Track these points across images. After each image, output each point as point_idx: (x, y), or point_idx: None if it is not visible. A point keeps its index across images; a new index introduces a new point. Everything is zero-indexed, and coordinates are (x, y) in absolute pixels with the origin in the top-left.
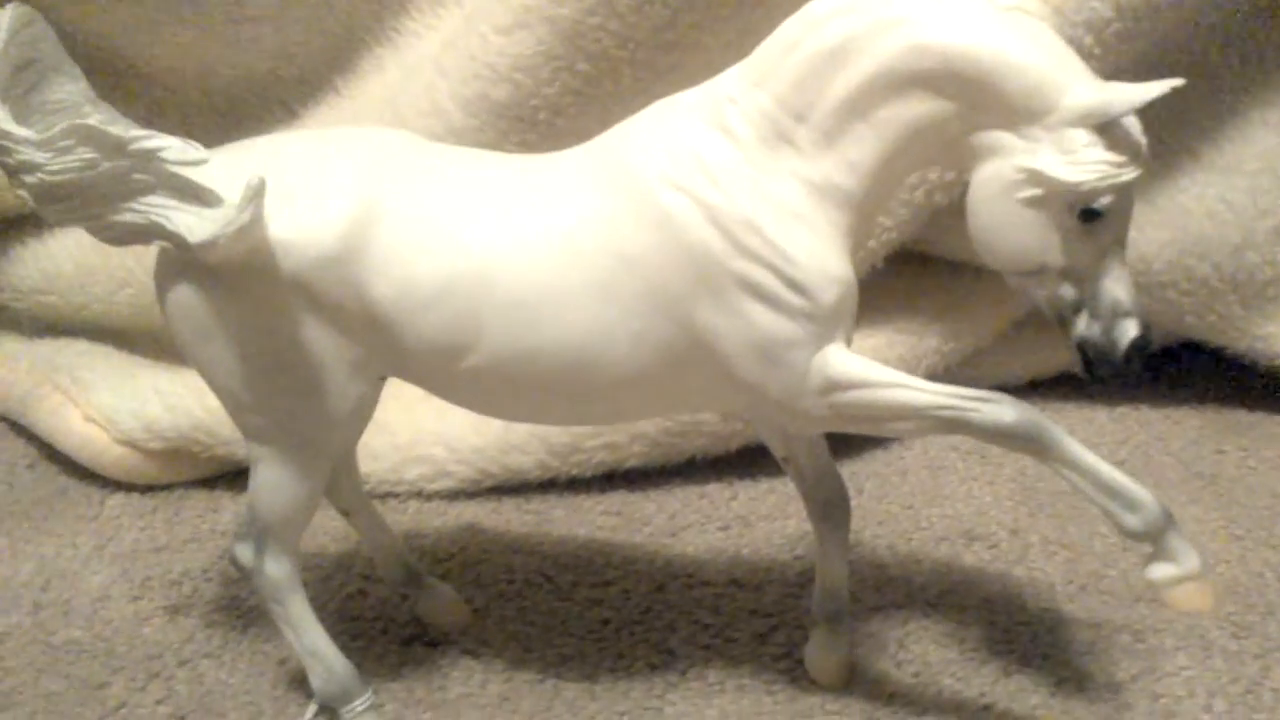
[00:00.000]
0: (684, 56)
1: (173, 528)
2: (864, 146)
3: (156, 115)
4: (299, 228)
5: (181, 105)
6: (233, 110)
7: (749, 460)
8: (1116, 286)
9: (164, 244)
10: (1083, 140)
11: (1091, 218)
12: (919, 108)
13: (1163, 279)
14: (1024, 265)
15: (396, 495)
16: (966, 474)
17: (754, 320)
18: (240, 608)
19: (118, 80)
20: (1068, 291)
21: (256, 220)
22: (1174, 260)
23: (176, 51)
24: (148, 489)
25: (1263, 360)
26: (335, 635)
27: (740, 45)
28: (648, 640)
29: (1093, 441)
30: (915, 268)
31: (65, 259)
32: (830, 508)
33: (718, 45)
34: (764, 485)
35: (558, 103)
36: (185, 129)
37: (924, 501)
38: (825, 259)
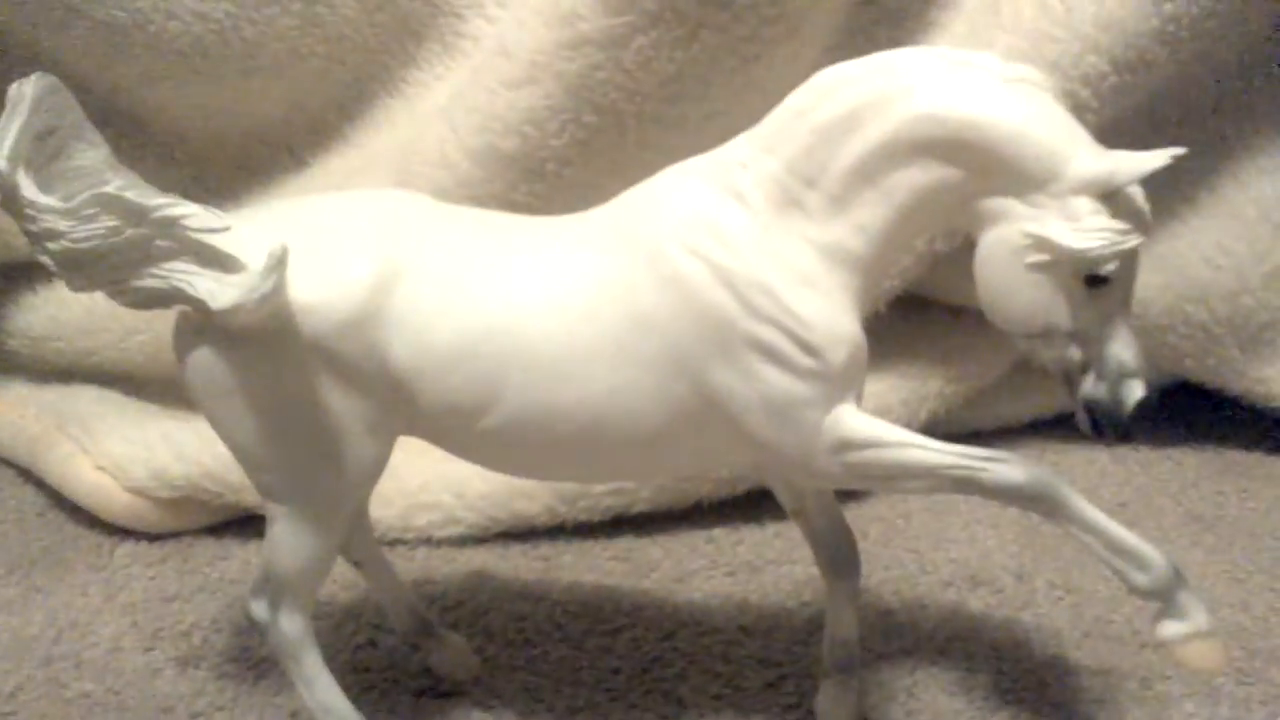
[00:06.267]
0: (688, 109)
1: (182, 576)
2: (873, 211)
3: (168, 164)
4: (320, 292)
5: (193, 154)
6: (243, 159)
7: (755, 504)
8: (1122, 349)
9: (184, 308)
10: (1087, 208)
11: (1097, 283)
12: (927, 174)
13: (1161, 323)
14: (1032, 327)
15: (405, 542)
16: (970, 516)
17: (767, 381)
18: (251, 659)
19: (129, 130)
20: (1074, 353)
21: (279, 287)
22: (1172, 305)
23: (188, 102)
24: (156, 537)
25: (1261, 402)
26: (346, 686)
27: (744, 98)
28: (658, 690)
29: (1094, 483)
30: (917, 312)
31: (76, 305)
32: (839, 559)
33: (722, 98)
34: (770, 530)
35: (565, 154)
36: (196, 177)
37: (929, 546)
38: (836, 320)
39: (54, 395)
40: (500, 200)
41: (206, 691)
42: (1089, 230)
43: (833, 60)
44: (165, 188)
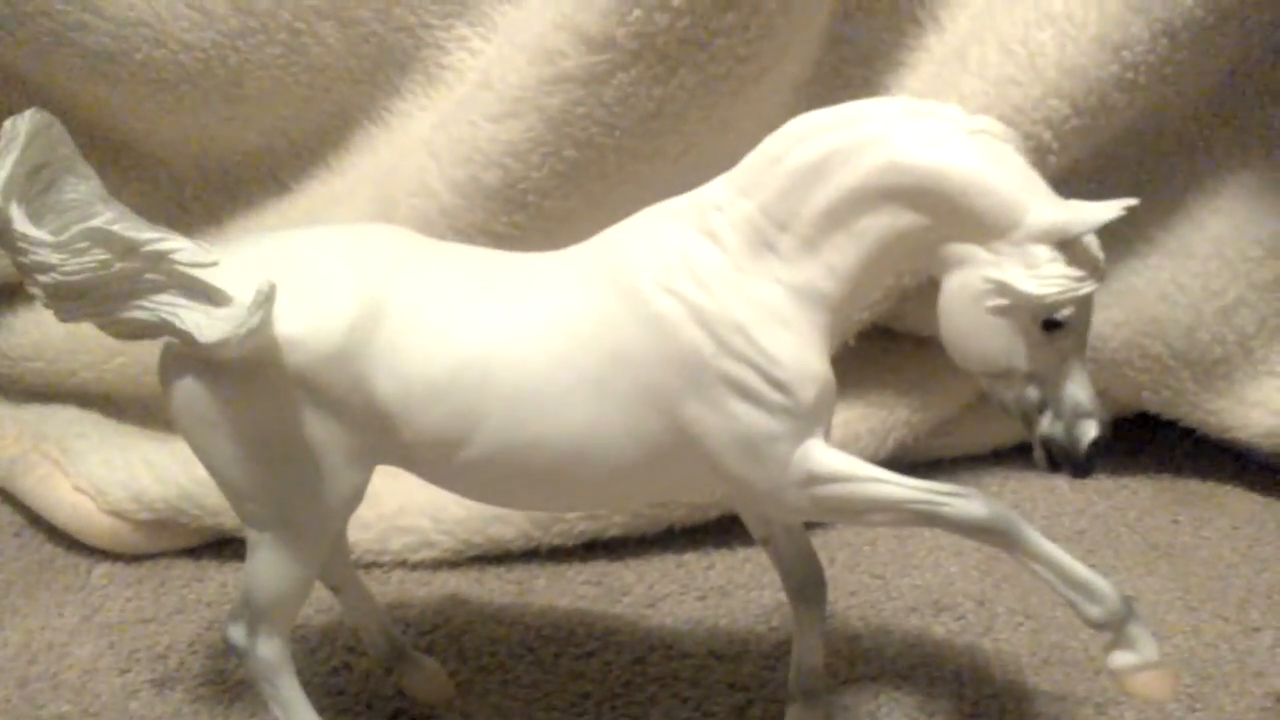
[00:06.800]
0: (665, 144)
1: (159, 598)
2: (843, 254)
3: (151, 188)
4: (305, 325)
5: (176, 178)
6: (225, 183)
7: (725, 530)
8: (1078, 390)
9: (171, 339)
10: (1045, 256)
11: (1054, 326)
12: (894, 220)
13: (1118, 356)
14: (992, 368)
15: (381, 565)
16: (933, 544)
17: (739, 416)
18: (226, 681)
19: (114, 155)
20: (1032, 393)
21: (265, 322)
22: (1129, 339)
23: (173, 127)
24: (134, 559)
25: (1215, 433)
26: (321, 710)
27: (719, 134)
28: (629, 714)
29: (1054, 510)
30: (884, 343)
31: (56, 327)
32: (807, 587)
33: (698, 134)
34: (740, 555)
35: (545, 186)
36: (180, 202)
37: (894, 571)
38: (806, 359)
39: (33, 416)
40: (481, 230)
41: (182, 713)
42: (1046, 277)
43: (805, 98)
44: (149, 213)
